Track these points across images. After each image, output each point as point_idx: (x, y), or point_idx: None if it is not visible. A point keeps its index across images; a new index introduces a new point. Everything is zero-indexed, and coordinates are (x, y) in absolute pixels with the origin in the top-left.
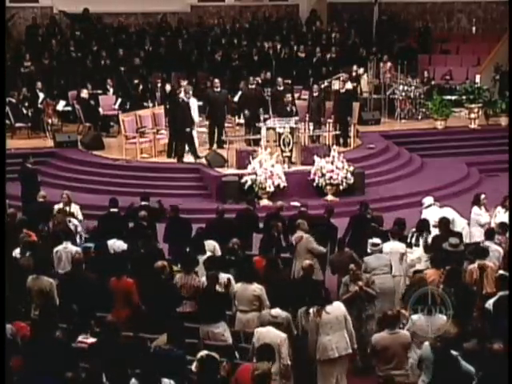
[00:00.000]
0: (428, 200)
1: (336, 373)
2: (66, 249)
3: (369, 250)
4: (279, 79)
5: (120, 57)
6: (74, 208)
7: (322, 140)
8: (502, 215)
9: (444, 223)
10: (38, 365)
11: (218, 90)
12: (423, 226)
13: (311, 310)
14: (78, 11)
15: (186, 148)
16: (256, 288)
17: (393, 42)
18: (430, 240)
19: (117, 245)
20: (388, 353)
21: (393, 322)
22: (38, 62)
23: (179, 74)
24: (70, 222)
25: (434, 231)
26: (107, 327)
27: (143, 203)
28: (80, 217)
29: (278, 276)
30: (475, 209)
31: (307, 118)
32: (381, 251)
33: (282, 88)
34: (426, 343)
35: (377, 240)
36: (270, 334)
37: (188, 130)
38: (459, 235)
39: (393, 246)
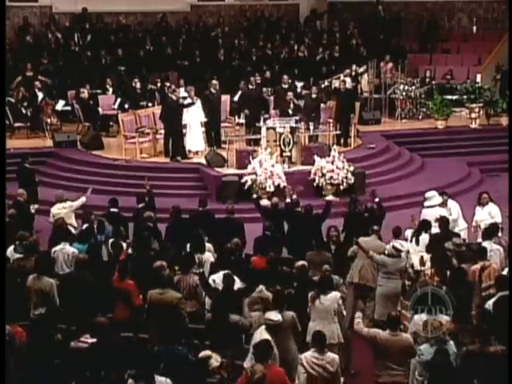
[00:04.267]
0: (433, 200)
1: None
2: (63, 250)
3: (387, 252)
4: (285, 76)
5: (120, 56)
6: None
7: (321, 140)
8: (480, 213)
9: (444, 222)
10: (36, 366)
11: (215, 91)
12: (424, 227)
13: (309, 295)
14: (78, 11)
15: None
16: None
17: (392, 41)
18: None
19: None
20: (386, 353)
21: (395, 324)
22: (37, 61)
23: (176, 73)
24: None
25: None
26: (101, 329)
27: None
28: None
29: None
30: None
31: (304, 119)
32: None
33: (286, 86)
34: (426, 345)
35: (399, 246)
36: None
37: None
38: (458, 235)
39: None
